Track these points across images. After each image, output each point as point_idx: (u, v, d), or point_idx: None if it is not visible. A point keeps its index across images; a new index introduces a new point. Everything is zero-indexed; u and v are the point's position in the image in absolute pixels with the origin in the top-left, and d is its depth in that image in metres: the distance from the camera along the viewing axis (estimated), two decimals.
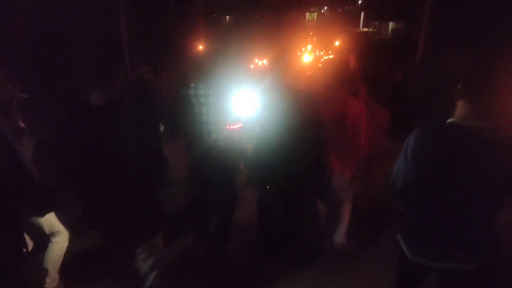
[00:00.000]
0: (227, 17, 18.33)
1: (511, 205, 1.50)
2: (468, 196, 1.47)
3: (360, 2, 21.30)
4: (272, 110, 2.52)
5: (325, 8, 26.51)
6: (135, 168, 1.50)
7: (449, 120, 1.50)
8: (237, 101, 2.47)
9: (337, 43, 9.26)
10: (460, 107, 1.48)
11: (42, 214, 2.21)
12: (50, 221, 2.27)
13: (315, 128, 2.57)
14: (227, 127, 2.48)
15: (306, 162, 2.54)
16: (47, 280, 2.44)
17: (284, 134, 2.48)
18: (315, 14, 23.22)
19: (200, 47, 9.60)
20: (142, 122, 1.52)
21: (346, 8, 24.25)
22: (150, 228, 1.68)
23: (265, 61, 8.30)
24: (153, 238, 1.69)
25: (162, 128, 2.61)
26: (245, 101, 2.52)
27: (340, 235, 2.86)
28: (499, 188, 1.43)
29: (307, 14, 22.03)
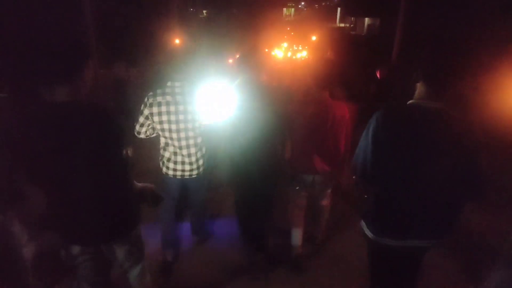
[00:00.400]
0: (204, 11, 18.10)
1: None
2: (427, 174, 1.48)
3: None
4: (243, 106, 2.49)
5: (302, 3, 26.64)
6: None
7: (409, 101, 1.53)
8: (211, 97, 2.42)
9: (313, 38, 9.30)
10: (418, 90, 1.55)
11: None
12: None
13: (279, 125, 2.56)
14: (200, 123, 2.44)
15: (271, 159, 2.55)
16: None
17: (252, 131, 2.46)
18: (292, 9, 23.25)
19: (177, 41, 9.42)
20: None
21: (323, 3, 24.45)
22: (123, 224, 1.67)
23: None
24: (128, 234, 1.70)
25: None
26: (219, 97, 2.48)
27: (319, 231, 2.87)
28: (455, 165, 1.46)
29: (284, 9, 22.02)
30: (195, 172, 2.37)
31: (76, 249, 1.65)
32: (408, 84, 1.55)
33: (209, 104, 2.38)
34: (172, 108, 2.20)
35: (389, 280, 1.87)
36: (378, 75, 5.61)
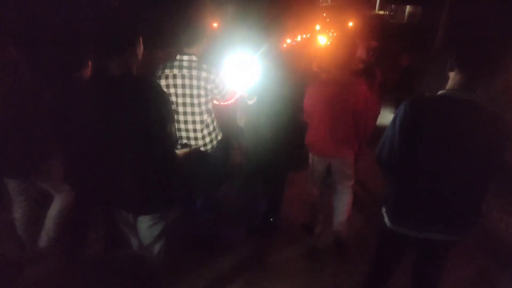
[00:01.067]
0: None
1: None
2: (452, 167, 1.45)
3: None
4: (264, 87, 2.50)
5: None
6: (142, 142, 1.53)
7: (440, 91, 1.49)
8: (228, 74, 2.43)
9: (350, 24, 9.02)
10: (451, 79, 1.52)
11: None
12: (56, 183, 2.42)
13: (297, 106, 2.54)
14: (220, 103, 2.45)
15: (287, 138, 2.57)
16: (42, 234, 2.52)
17: (270, 107, 2.48)
18: None
19: (215, 25, 9.42)
20: (153, 96, 1.54)
21: None
22: (157, 202, 1.71)
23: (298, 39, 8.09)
24: (158, 212, 1.75)
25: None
26: (237, 75, 2.47)
27: (340, 221, 2.85)
28: (484, 161, 1.42)
29: None
30: (201, 149, 2.39)
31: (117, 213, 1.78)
32: (439, 73, 1.51)
33: (224, 82, 2.38)
34: (178, 81, 2.23)
35: (389, 266, 1.88)
36: (401, 62, 5.38)
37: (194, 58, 2.21)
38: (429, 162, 1.50)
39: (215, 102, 2.46)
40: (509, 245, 2.79)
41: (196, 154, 2.11)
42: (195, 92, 2.25)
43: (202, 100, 2.29)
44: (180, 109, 2.26)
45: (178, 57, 2.20)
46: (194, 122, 2.32)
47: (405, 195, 1.62)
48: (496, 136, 1.41)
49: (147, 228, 1.77)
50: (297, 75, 2.71)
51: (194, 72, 2.21)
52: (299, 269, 2.60)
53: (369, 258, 1.97)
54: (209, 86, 2.24)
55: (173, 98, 2.27)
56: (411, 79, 5.41)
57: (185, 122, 2.30)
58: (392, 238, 1.76)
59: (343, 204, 2.77)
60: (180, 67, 2.20)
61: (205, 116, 2.34)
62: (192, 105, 2.28)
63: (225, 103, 2.74)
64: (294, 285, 2.45)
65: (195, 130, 2.35)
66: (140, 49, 1.62)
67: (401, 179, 1.61)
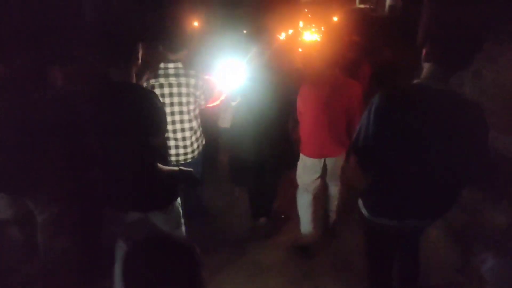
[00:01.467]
0: None
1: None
2: (427, 155, 1.50)
3: None
4: (252, 87, 2.50)
5: None
6: (132, 148, 1.70)
7: (415, 81, 1.56)
8: (214, 79, 2.46)
9: (335, 19, 9.04)
10: (426, 69, 1.53)
11: None
12: None
13: (289, 106, 2.58)
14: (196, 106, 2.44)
15: (279, 141, 2.61)
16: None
17: (260, 110, 2.49)
18: None
19: (195, 24, 9.32)
20: (148, 105, 1.70)
21: None
22: (156, 199, 1.90)
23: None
24: (162, 207, 1.94)
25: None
26: (229, 76, 2.51)
27: (334, 220, 2.87)
28: (459, 148, 1.48)
29: None
30: (189, 156, 2.40)
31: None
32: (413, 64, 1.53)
33: (210, 87, 2.41)
34: (166, 91, 2.21)
35: (384, 260, 1.91)
36: (383, 56, 5.40)
37: (179, 65, 2.18)
38: (404, 151, 1.53)
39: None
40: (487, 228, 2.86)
41: (183, 174, 2.11)
42: (184, 100, 2.23)
43: (191, 107, 2.28)
44: (168, 118, 2.23)
45: (162, 65, 2.15)
46: (183, 130, 2.30)
47: (381, 184, 1.67)
48: (470, 122, 1.47)
49: (163, 222, 1.99)
50: (284, 73, 2.70)
51: (182, 80, 2.18)
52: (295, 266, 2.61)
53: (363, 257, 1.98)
54: (197, 93, 2.23)
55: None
56: (393, 73, 5.43)
57: (174, 131, 2.29)
58: (373, 229, 1.78)
59: (336, 203, 2.79)
60: (166, 76, 2.16)
61: (194, 123, 2.34)
62: (181, 113, 2.26)
63: (211, 106, 2.75)
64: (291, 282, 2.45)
65: (184, 139, 2.34)
66: (140, 54, 1.68)
67: (376, 169, 1.67)
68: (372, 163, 1.69)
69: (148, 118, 1.58)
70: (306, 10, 20.10)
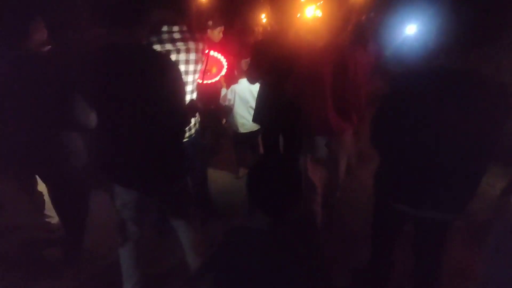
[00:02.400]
0: None
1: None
2: (446, 141, 1.37)
3: None
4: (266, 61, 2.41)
5: None
6: (152, 114, 1.45)
7: (432, 62, 1.38)
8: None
9: None
10: (443, 49, 1.34)
11: None
12: None
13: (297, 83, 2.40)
14: (201, 81, 2.30)
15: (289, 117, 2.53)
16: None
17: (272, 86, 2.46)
18: None
19: None
20: (166, 67, 1.45)
21: None
22: (175, 173, 1.67)
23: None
24: (179, 181, 1.72)
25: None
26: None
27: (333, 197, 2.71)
28: (480, 135, 1.34)
29: None
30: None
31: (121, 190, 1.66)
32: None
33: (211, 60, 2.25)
34: (173, 58, 1.93)
35: (391, 247, 1.84)
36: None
37: (184, 27, 1.91)
38: (423, 137, 1.40)
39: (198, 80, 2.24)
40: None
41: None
42: (191, 68, 2.00)
43: (196, 76, 2.07)
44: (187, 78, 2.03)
45: (166, 28, 1.86)
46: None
47: (403, 170, 1.52)
48: (491, 105, 1.29)
49: (173, 198, 1.74)
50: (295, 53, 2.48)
51: (191, 45, 1.94)
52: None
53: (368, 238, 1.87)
54: (201, 60, 2.04)
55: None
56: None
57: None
58: (388, 216, 1.67)
59: (341, 178, 2.59)
60: (172, 40, 1.88)
61: (195, 95, 2.15)
62: (187, 83, 2.02)
63: (211, 81, 2.60)
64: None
65: None
66: (150, 20, 1.56)
67: (395, 154, 1.53)
68: (390, 149, 1.56)
69: (167, 79, 1.44)
70: None
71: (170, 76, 1.44)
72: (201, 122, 2.52)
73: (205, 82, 2.94)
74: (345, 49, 2.21)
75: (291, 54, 2.40)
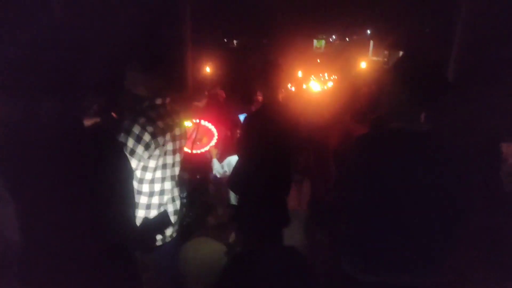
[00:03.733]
0: (235, 41, 18.41)
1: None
2: (414, 202, 1.37)
3: (369, 32, 21.37)
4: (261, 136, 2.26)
5: (333, 36, 26.69)
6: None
7: (391, 124, 1.42)
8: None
9: (346, 70, 9.04)
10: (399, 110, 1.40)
11: None
12: None
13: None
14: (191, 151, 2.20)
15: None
16: None
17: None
18: (323, 41, 23.27)
19: (207, 69, 9.44)
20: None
21: (355, 37, 24.34)
22: None
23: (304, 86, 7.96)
24: None
25: None
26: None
27: None
28: (447, 191, 1.36)
29: (315, 41, 22.08)
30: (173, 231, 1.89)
31: None
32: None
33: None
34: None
35: None
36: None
37: (167, 99, 1.79)
38: (391, 200, 1.39)
39: (186, 150, 2.09)
40: None
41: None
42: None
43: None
44: (168, 171, 1.76)
45: (160, 101, 1.70)
46: (173, 180, 1.87)
47: (366, 236, 1.48)
48: (453, 167, 1.34)
49: None
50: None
51: (181, 119, 1.83)
52: None
53: None
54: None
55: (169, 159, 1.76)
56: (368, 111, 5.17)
57: (173, 177, 1.84)
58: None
59: None
60: (168, 114, 1.73)
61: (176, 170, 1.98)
62: (179, 163, 1.86)
63: (199, 152, 2.46)
64: None
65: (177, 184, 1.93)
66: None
67: (360, 221, 1.49)
68: (355, 214, 1.52)
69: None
70: (318, 61, 20.60)
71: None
72: (189, 195, 2.33)
73: (194, 151, 2.81)
74: (351, 130, 2.24)
75: (293, 128, 2.32)
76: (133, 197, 1.42)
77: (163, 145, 1.63)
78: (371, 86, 3.96)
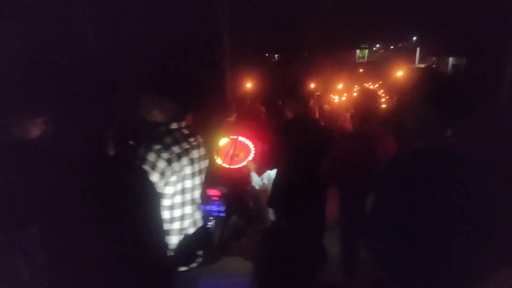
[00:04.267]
0: (276, 55, 18.60)
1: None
2: (445, 221, 1.34)
3: (415, 38, 20.55)
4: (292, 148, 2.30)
5: (377, 45, 25.95)
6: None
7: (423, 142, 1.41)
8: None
9: (393, 78, 8.76)
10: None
11: None
12: None
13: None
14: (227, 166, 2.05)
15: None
16: None
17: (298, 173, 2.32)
18: (366, 51, 22.70)
19: (248, 85, 9.60)
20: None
21: (400, 44, 23.50)
22: None
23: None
24: None
25: None
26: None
27: None
28: (475, 209, 1.33)
29: (358, 51, 21.59)
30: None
31: None
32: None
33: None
34: (195, 155, 1.71)
35: None
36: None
37: (184, 124, 1.72)
38: (424, 222, 1.36)
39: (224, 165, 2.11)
40: None
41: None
42: (203, 165, 1.79)
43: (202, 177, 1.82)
44: (188, 196, 1.74)
45: (176, 125, 1.67)
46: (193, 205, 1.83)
47: (410, 256, 1.43)
48: (477, 181, 1.33)
49: None
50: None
51: (199, 141, 1.77)
52: None
53: None
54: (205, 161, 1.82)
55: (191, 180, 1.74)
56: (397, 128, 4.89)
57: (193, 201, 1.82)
58: None
59: None
60: (185, 138, 1.67)
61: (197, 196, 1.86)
62: (201, 185, 1.82)
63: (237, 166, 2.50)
64: None
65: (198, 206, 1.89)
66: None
67: (397, 240, 1.46)
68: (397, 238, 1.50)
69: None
70: (361, 70, 20.10)
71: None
72: (227, 208, 2.37)
73: (232, 167, 2.88)
74: (374, 137, 2.22)
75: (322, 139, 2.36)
76: (161, 220, 1.40)
77: (180, 171, 1.60)
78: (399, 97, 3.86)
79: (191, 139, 1.69)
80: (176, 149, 1.57)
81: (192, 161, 1.68)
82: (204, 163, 1.78)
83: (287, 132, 2.42)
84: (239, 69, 9.04)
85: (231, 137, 2.89)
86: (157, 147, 1.50)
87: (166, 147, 1.53)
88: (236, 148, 2.90)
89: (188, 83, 1.81)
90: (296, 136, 2.37)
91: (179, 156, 1.59)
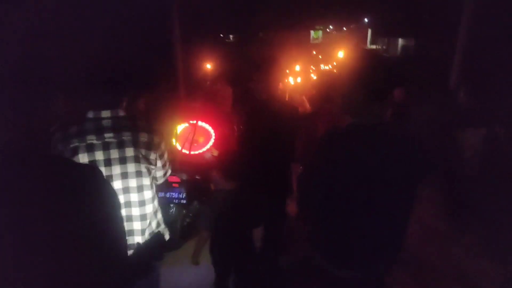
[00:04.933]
0: (231, 36, 18.25)
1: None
2: (374, 195, 1.39)
3: (366, 20, 21.13)
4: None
5: (330, 27, 26.39)
6: None
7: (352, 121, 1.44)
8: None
9: (340, 56, 8.98)
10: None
11: None
12: None
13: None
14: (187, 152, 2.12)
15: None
16: None
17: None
18: (320, 32, 23.01)
19: (208, 66, 9.31)
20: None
21: (352, 26, 24.07)
22: None
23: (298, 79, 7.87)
24: None
25: None
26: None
27: None
28: (397, 186, 1.39)
29: (312, 32, 21.83)
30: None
31: None
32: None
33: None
34: (98, 156, 1.37)
35: None
36: (395, 97, 5.14)
37: (121, 113, 1.41)
38: (352, 193, 1.42)
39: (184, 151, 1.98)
40: None
41: None
42: (130, 169, 1.41)
43: (145, 181, 1.44)
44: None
45: (92, 114, 1.37)
46: (128, 219, 1.43)
47: (337, 231, 1.50)
48: (408, 158, 1.36)
49: None
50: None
51: (127, 136, 1.39)
52: None
53: None
54: (151, 156, 1.44)
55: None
56: (405, 114, 5.12)
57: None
58: (334, 282, 1.56)
59: None
60: (99, 130, 1.37)
61: (147, 208, 1.47)
62: (125, 191, 1.41)
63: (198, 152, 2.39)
64: None
65: (129, 232, 1.46)
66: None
67: (327, 214, 1.51)
68: (320, 209, 1.54)
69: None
70: (314, 52, 20.40)
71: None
72: (188, 195, 2.28)
73: (192, 153, 2.76)
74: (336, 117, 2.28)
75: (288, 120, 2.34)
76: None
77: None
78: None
79: (108, 134, 1.36)
80: (74, 141, 1.33)
81: (94, 163, 1.35)
82: (134, 167, 1.41)
83: (261, 114, 2.36)
84: (192, 50, 8.69)
85: (190, 122, 2.75)
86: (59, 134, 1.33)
87: (62, 137, 1.33)
88: (196, 133, 2.77)
89: (119, 65, 1.50)
90: (269, 118, 2.32)
91: (73, 151, 1.33)
